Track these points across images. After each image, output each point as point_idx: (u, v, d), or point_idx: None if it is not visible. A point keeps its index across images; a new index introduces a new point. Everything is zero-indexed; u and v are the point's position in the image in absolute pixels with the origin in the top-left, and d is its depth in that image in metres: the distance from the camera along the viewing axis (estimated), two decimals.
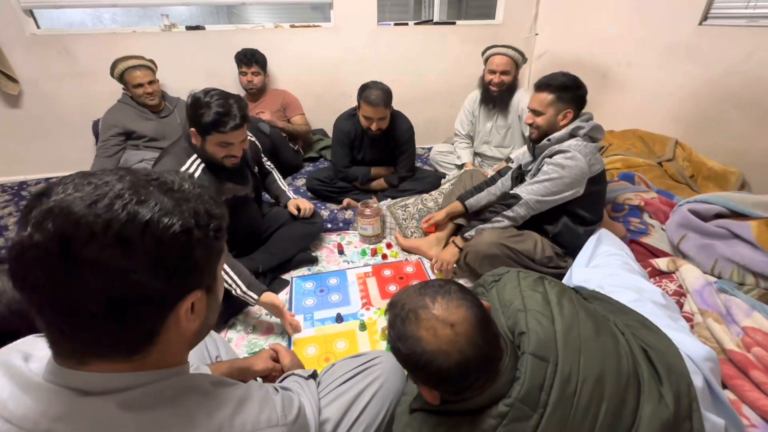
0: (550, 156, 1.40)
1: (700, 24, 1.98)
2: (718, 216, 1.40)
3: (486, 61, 2.19)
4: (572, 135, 1.40)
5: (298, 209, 1.73)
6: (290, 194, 1.81)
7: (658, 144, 2.13)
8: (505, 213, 1.47)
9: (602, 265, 1.26)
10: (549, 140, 1.42)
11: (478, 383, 0.62)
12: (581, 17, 2.67)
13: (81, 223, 0.36)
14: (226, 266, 1.28)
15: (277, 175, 1.85)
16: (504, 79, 2.12)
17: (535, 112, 1.44)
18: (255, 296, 1.30)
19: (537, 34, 3.02)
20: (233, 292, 1.28)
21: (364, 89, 1.92)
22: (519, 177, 1.61)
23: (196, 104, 1.27)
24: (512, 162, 2.11)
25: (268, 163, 1.84)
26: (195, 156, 1.36)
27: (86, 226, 0.36)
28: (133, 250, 0.37)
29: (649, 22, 2.21)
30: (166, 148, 1.50)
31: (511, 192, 1.50)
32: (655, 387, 0.69)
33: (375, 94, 1.88)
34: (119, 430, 0.41)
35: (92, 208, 0.37)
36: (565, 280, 1.26)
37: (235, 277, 1.28)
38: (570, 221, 1.48)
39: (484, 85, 2.21)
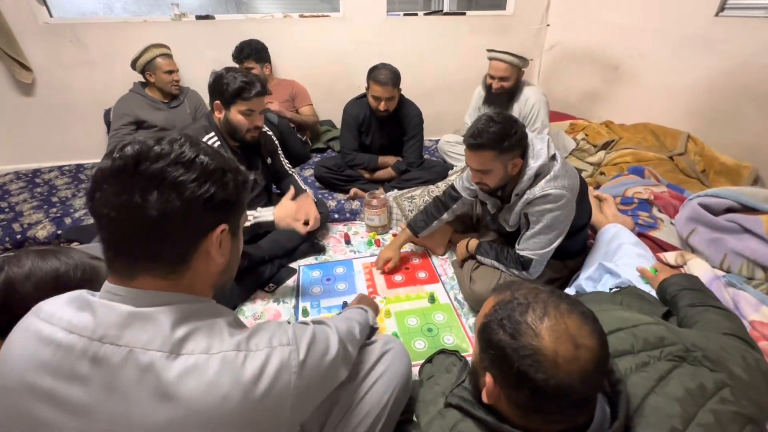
0: (529, 203, 1.26)
1: (717, 15, 1.94)
2: (729, 210, 1.39)
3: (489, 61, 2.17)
4: (537, 176, 1.25)
5: (306, 224, 1.66)
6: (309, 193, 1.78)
7: (669, 138, 2.10)
8: (524, 275, 1.37)
9: (630, 265, 1.24)
10: (517, 195, 1.29)
11: (553, 417, 0.55)
12: (594, 7, 2.62)
13: (151, 149, 0.51)
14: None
15: (299, 178, 1.83)
16: (503, 85, 2.11)
17: (481, 172, 1.27)
18: (270, 217, 1.33)
19: (548, 25, 2.97)
20: (250, 219, 1.32)
21: (373, 70, 1.99)
22: (492, 217, 1.49)
23: (221, 77, 1.41)
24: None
25: (288, 164, 1.83)
26: (213, 134, 1.44)
27: (154, 152, 0.51)
28: (186, 170, 0.51)
29: (663, 13, 2.17)
30: (184, 129, 1.55)
31: (520, 253, 1.35)
32: None
33: (384, 73, 1.95)
34: (160, 334, 0.51)
35: (158, 143, 0.52)
36: (590, 275, 1.27)
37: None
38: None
39: (487, 86, 2.20)
